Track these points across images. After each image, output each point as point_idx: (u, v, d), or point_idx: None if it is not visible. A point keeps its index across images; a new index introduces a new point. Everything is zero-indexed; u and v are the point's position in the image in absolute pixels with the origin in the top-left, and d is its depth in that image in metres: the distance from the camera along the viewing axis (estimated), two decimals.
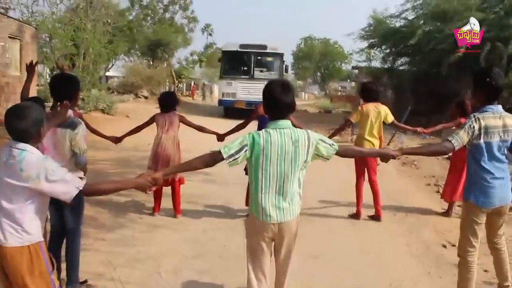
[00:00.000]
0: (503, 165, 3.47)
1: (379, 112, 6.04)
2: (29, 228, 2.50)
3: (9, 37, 13.69)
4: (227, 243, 5.05)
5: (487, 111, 3.39)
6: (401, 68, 23.20)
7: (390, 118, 6.13)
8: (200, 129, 6.10)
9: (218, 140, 5.80)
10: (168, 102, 5.88)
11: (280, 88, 2.85)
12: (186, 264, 4.43)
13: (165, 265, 4.37)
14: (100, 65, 24.48)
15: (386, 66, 23.60)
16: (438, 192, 8.07)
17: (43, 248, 2.57)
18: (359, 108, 6.17)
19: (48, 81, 20.58)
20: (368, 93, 6.24)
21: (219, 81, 23.18)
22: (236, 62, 21.94)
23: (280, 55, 21.97)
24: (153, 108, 8.04)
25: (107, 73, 36.33)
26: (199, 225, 5.67)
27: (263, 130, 2.84)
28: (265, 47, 21.59)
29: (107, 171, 8.19)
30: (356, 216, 6.19)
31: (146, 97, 27.03)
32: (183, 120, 5.91)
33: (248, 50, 21.35)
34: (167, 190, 5.88)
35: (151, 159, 5.80)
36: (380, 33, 21.27)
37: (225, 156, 2.74)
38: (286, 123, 2.82)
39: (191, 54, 47.46)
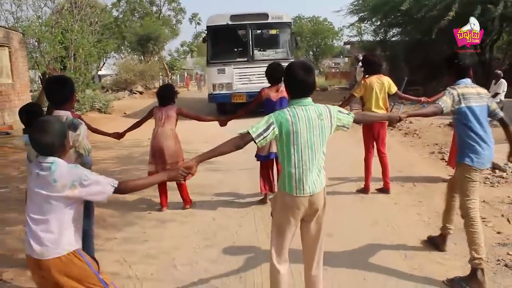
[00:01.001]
0: (488, 129, 3.84)
1: (383, 83, 6.06)
2: (67, 237, 2.53)
3: None
4: (238, 230, 5.04)
5: (460, 84, 3.88)
6: (393, 39, 23.11)
7: (394, 89, 6.19)
8: (199, 118, 6.08)
9: (221, 125, 5.88)
10: (165, 95, 5.81)
11: (303, 70, 2.94)
12: (200, 255, 4.42)
13: (179, 258, 4.37)
14: (91, 65, 24.31)
15: (378, 39, 23.54)
16: (442, 159, 8.08)
17: (81, 253, 2.59)
18: (362, 81, 6.14)
19: (40, 86, 20.50)
20: (370, 65, 6.22)
21: (207, 69, 16.29)
22: (227, 41, 15.93)
23: (288, 25, 15.73)
24: (149, 103, 7.85)
25: (99, 72, 36.13)
26: (208, 215, 5.65)
27: (288, 108, 2.94)
28: (265, 16, 15.27)
29: (112, 170, 8.16)
30: (364, 190, 6.21)
31: (141, 93, 26.95)
32: (181, 112, 5.81)
33: (243, 23, 15.17)
34: (171, 184, 5.82)
35: (150, 154, 5.77)
36: (370, 6, 21.11)
37: (254, 135, 2.82)
38: (309, 100, 2.95)
39: (182, 45, 47.36)
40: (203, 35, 16.65)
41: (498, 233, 4.55)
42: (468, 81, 3.92)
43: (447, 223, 4.29)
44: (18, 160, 8.96)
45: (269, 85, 5.70)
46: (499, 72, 12.16)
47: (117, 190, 2.58)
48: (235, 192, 6.56)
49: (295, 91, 2.96)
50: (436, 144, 9.22)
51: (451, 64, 3.98)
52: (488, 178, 6.58)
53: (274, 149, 5.51)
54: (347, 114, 3.06)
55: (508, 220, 4.91)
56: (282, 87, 5.51)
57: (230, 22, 15.12)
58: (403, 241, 4.52)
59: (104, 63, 35.24)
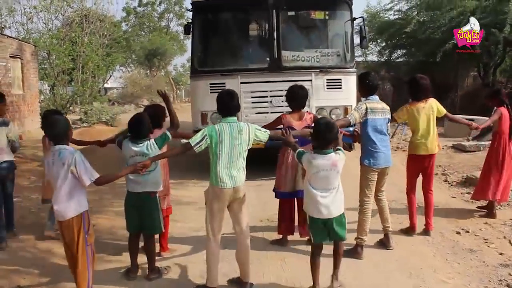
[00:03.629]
0: (385, 136, 4.82)
1: (431, 107, 5.22)
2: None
3: (10, 56, 13.84)
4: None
5: (369, 99, 4.83)
6: (398, 60, 23.34)
7: (443, 111, 5.33)
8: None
9: None
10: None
11: (228, 95, 3.97)
12: None
13: None
14: (98, 77, 24.63)
15: (383, 60, 23.74)
16: (446, 181, 8.22)
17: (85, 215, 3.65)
18: (407, 106, 5.27)
19: (48, 96, 20.80)
20: (419, 89, 5.24)
21: (192, 84, 9.12)
22: (230, 32, 8.84)
23: (346, 4, 8.42)
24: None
25: (106, 85, 36.52)
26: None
27: (218, 123, 3.87)
28: None
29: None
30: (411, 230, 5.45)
31: None
32: (174, 135, 4.61)
33: None
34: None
35: None
36: (375, 27, 21.42)
37: (193, 144, 3.78)
38: (233, 118, 3.91)
39: (188, 61, 47.57)
40: (189, 19, 8.99)
41: (501, 254, 4.68)
42: (376, 97, 4.86)
43: (384, 222, 5.03)
44: (30, 170, 9.13)
45: (289, 110, 5.07)
46: None
47: (95, 182, 3.56)
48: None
49: (223, 112, 3.92)
50: (440, 165, 9.34)
51: (363, 83, 4.90)
52: None
53: (301, 185, 4.84)
54: (264, 131, 4.01)
55: (510, 242, 5.04)
56: (305, 114, 5.03)
57: None
58: (408, 260, 4.65)
59: (111, 76, 35.61)
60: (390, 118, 4.92)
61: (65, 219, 3.55)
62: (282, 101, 5.59)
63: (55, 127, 3.63)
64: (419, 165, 5.31)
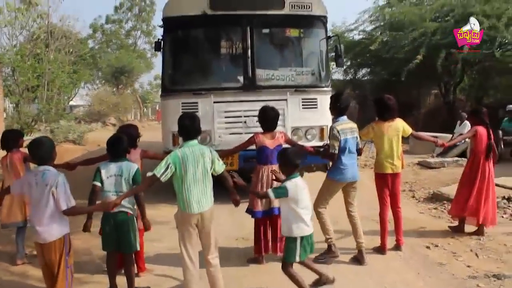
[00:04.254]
0: (353, 154, 5.15)
1: (397, 128, 5.39)
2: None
3: None
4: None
5: (339, 120, 5.12)
6: (363, 78, 23.99)
7: (409, 130, 5.51)
8: None
9: None
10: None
11: (188, 119, 4.05)
12: None
13: None
14: (64, 95, 24.27)
15: (348, 78, 24.34)
16: (413, 197, 8.50)
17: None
18: (373, 124, 5.47)
19: (11, 114, 20.37)
20: (385, 109, 5.40)
21: (162, 104, 8.75)
22: (203, 49, 8.68)
23: (321, 21, 8.35)
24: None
25: (71, 103, 35.92)
26: None
27: (179, 148, 3.95)
28: (280, 2, 8.01)
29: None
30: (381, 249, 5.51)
31: (114, 125, 26.92)
32: (146, 155, 5.15)
33: (236, 13, 7.98)
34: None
35: None
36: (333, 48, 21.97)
37: (158, 175, 3.81)
38: (195, 142, 4.00)
39: (155, 79, 47.33)
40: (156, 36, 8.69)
41: (468, 266, 4.91)
42: (344, 117, 5.14)
43: (357, 239, 5.21)
44: None
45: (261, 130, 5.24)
46: (464, 114, 12.85)
47: (65, 212, 3.56)
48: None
49: (184, 136, 4.02)
50: (407, 182, 9.64)
51: (334, 105, 5.21)
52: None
53: (276, 203, 4.97)
54: (222, 164, 4.12)
55: (476, 255, 5.28)
56: (277, 133, 5.23)
57: (209, 11, 7.84)
58: (382, 275, 4.82)
59: (76, 93, 35.07)
60: (358, 136, 5.24)
61: (47, 242, 3.56)
62: (257, 121, 5.35)
63: (41, 148, 3.68)
64: (386, 182, 5.44)
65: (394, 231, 5.53)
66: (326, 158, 5.58)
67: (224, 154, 5.45)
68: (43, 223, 3.54)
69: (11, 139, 5.46)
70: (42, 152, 3.67)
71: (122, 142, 4.36)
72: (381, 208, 5.49)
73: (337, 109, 5.19)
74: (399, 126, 5.39)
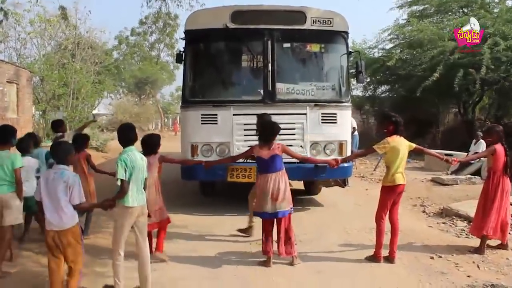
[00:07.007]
0: None
1: (406, 144, 5.72)
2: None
3: (7, 81, 14.21)
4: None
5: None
6: (382, 95, 24.17)
7: (413, 144, 5.82)
8: (183, 162, 7.27)
9: (206, 167, 6.29)
10: (150, 144, 5.63)
11: (127, 128, 4.69)
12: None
13: None
14: (88, 103, 24.99)
15: (367, 95, 24.55)
16: (424, 211, 8.67)
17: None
18: (388, 139, 5.66)
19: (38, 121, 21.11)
20: (397, 125, 5.73)
21: (182, 114, 8.79)
22: (224, 62, 8.79)
23: (342, 37, 8.43)
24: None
25: (94, 111, 36.79)
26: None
27: (127, 153, 4.45)
28: (300, 15, 8.15)
29: None
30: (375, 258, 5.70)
31: None
32: (164, 160, 5.73)
33: (258, 27, 8.11)
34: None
35: None
36: (354, 64, 22.24)
37: (125, 179, 4.36)
38: (133, 147, 4.57)
39: (177, 90, 48.14)
40: (179, 49, 9.33)
41: (468, 276, 5.11)
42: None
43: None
44: None
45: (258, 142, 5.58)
46: (479, 133, 12.98)
47: (76, 206, 4.14)
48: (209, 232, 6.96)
49: (125, 143, 4.55)
50: (419, 197, 9.81)
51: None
52: (464, 230, 7.15)
53: (285, 206, 5.43)
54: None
55: (478, 267, 5.46)
56: (274, 144, 5.47)
57: (231, 25, 8.01)
58: (385, 281, 5.05)
59: (99, 102, 35.95)
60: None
61: (63, 229, 4.11)
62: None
63: (61, 150, 4.30)
64: (394, 195, 5.61)
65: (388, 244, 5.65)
66: None
67: (222, 162, 6.67)
68: (59, 212, 4.08)
69: (81, 141, 6.43)
70: (61, 154, 4.26)
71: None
72: (380, 220, 5.65)
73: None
74: (406, 141, 5.69)
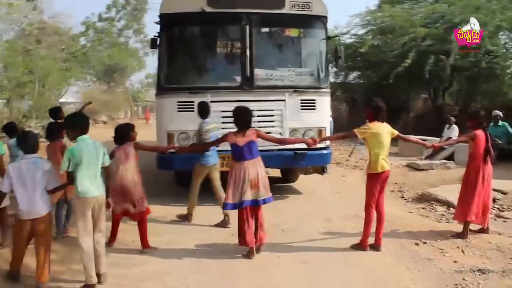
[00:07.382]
0: None
1: (389, 131, 5.64)
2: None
3: None
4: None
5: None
6: (353, 82, 24.29)
7: (395, 132, 5.70)
8: (156, 149, 7.32)
9: (179, 152, 6.67)
10: (119, 135, 5.70)
11: (81, 117, 4.74)
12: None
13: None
14: (55, 91, 24.22)
15: (338, 81, 24.63)
16: (402, 197, 8.74)
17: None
18: (369, 124, 5.60)
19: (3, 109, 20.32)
20: (379, 112, 5.62)
21: (157, 102, 8.43)
22: (200, 47, 8.63)
23: (321, 21, 8.31)
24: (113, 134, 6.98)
25: (61, 99, 35.76)
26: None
27: (76, 143, 4.44)
28: (280, 0, 7.96)
29: None
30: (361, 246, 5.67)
31: (105, 122, 26.91)
32: (138, 147, 5.69)
33: (235, 11, 7.89)
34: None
35: (113, 194, 5.34)
36: (332, 49, 22.25)
37: (69, 170, 4.39)
38: (87, 137, 4.51)
39: (146, 77, 47.35)
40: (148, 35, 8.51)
41: (455, 262, 5.15)
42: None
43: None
44: None
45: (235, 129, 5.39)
46: (452, 118, 13.17)
47: (50, 190, 4.37)
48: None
49: (79, 132, 4.48)
50: (396, 183, 9.88)
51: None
52: (444, 215, 7.24)
53: (264, 194, 5.37)
54: (108, 160, 4.67)
55: (462, 251, 5.52)
56: (249, 131, 5.34)
57: (208, 8, 7.76)
58: (373, 270, 5.04)
59: (67, 90, 34.91)
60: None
61: (41, 216, 4.32)
62: (254, 122, 5.53)
63: (30, 139, 4.43)
64: (379, 181, 5.55)
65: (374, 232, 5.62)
66: None
67: (195, 149, 6.61)
68: (37, 200, 4.26)
69: (55, 130, 6.08)
70: (31, 143, 4.38)
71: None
72: (369, 208, 5.60)
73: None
74: (389, 128, 5.62)
